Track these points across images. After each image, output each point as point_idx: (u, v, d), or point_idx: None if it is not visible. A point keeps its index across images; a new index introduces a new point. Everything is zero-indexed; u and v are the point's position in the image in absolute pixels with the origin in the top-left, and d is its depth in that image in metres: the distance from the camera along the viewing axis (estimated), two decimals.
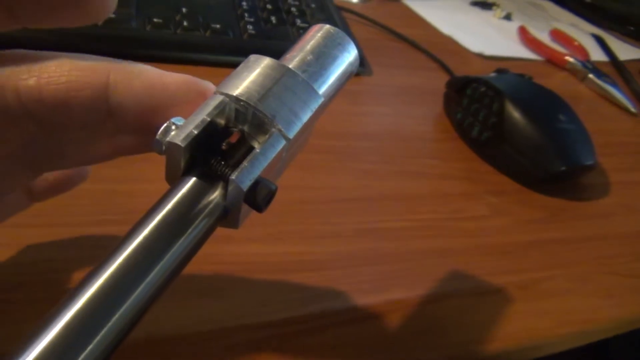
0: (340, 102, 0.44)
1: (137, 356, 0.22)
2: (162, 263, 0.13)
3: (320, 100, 0.17)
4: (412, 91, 0.51)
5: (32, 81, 0.14)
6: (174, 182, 0.15)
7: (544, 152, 0.39)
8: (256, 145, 0.15)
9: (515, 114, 0.40)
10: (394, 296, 0.28)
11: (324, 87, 0.17)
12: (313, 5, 0.54)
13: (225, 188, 0.15)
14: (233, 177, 0.14)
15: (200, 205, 0.15)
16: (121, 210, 0.28)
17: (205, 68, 0.42)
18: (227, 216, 0.15)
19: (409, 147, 0.42)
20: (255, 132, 0.15)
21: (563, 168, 0.39)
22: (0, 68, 0.14)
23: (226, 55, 0.44)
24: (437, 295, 0.29)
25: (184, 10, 0.46)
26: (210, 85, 0.17)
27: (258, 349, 0.24)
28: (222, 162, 0.15)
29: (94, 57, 0.15)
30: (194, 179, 0.15)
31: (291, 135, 0.15)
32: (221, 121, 0.15)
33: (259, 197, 0.15)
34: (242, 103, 0.15)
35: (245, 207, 0.15)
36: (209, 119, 0.15)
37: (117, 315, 0.12)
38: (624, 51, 0.75)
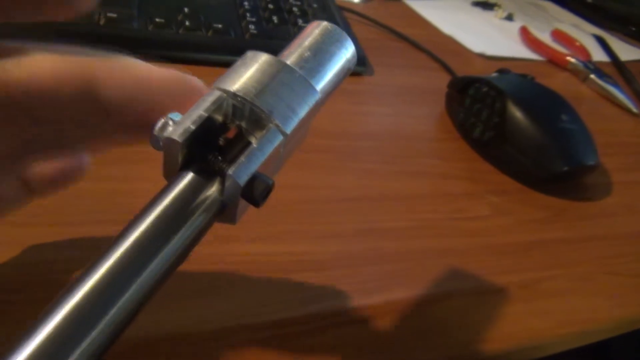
0: (341, 101, 0.45)
1: (137, 356, 0.22)
2: (159, 258, 0.13)
3: (317, 96, 0.17)
4: (414, 91, 0.51)
5: (18, 73, 0.14)
6: (172, 177, 0.15)
7: (546, 152, 0.39)
8: (253, 140, 0.15)
9: (517, 114, 0.40)
10: (395, 296, 0.28)
11: (321, 83, 0.17)
12: (315, 5, 0.54)
13: (223, 183, 0.15)
14: (230, 172, 0.14)
15: (198, 201, 0.15)
16: (123, 209, 0.27)
17: (207, 68, 0.42)
18: (224, 211, 0.15)
19: (410, 147, 0.42)
20: (253, 127, 0.15)
21: (565, 168, 0.39)
22: None
23: (228, 55, 0.44)
24: (438, 295, 0.29)
25: (185, 10, 0.46)
26: (199, 83, 0.17)
27: (258, 349, 0.24)
28: (220, 158, 0.15)
29: (82, 49, 0.15)
30: (191, 174, 0.15)
31: (288, 130, 0.15)
32: (218, 117, 0.15)
33: (256, 192, 0.15)
34: (239, 99, 0.15)
35: (242, 202, 0.15)
36: (206, 115, 0.15)
37: (113, 310, 0.12)
38: (626, 52, 0.74)
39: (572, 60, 0.64)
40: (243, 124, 0.15)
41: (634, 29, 0.82)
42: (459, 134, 0.45)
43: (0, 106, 0.14)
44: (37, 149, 0.15)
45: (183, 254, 0.14)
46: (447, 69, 0.56)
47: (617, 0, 0.87)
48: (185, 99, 0.16)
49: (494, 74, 0.47)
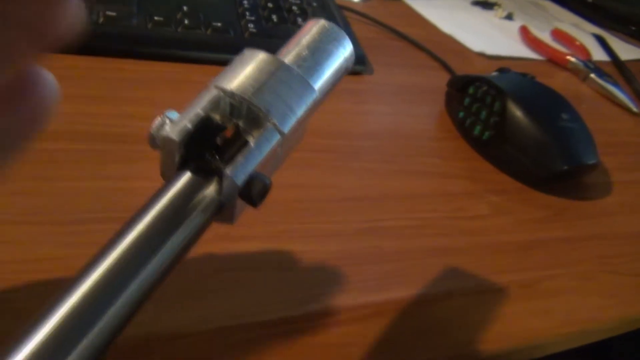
0: (341, 100, 0.45)
1: (137, 356, 0.22)
2: (156, 258, 0.13)
3: (315, 95, 0.16)
4: (413, 90, 0.51)
5: None
6: (169, 177, 0.15)
7: (546, 151, 0.39)
8: (251, 139, 0.15)
9: (517, 113, 0.40)
10: (395, 295, 0.28)
11: (319, 81, 0.17)
12: (314, 4, 0.54)
13: (220, 183, 0.15)
14: (228, 172, 0.14)
15: (195, 200, 0.14)
16: (123, 207, 0.27)
17: (206, 66, 0.42)
18: (222, 211, 0.15)
19: (410, 146, 0.42)
20: (250, 126, 0.15)
21: (565, 167, 0.39)
22: None
23: (227, 54, 0.43)
24: (438, 294, 0.29)
25: (185, 8, 0.46)
26: None
27: (258, 349, 0.24)
28: (217, 157, 0.15)
29: None
30: (188, 173, 0.15)
31: (286, 129, 0.15)
32: (216, 115, 0.15)
33: (253, 191, 0.15)
34: (236, 97, 0.15)
35: (240, 202, 0.15)
36: (203, 114, 0.15)
37: (111, 311, 0.12)
38: (626, 51, 0.74)
39: (572, 59, 0.64)
40: (240, 123, 0.15)
41: (634, 28, 0.82)
42: (459, 133, 0.45)
43: None
44: None
45: (181, 254, 0.14)
46: (446, 68, 0.56)
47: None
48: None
49: (494, 73, 0.47)
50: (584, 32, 0.78)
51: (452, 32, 0.66)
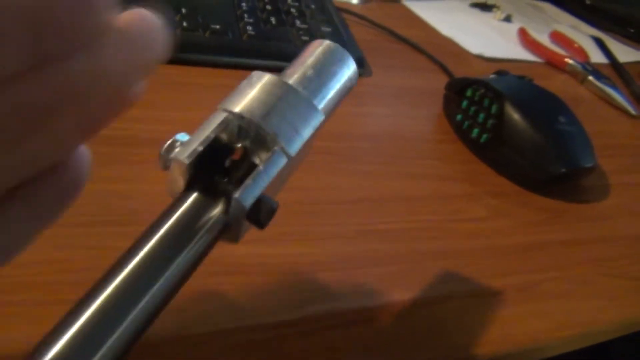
0: (340, 103, 0.45)
1: (137, 357, 0.22)
2: (163, 278, 0.13)
3: (322, 118, 0.17)
4: (412, 92, 0.51)
5: None
6: (177, 196, 0.15)
7: (543, 154, 0.39)
8: (258, 161, 0.15)
9: (515, 115, 0.40)
10: (394, 297, 0.28)
11: (324, 102, 0.18)
12: (313, 7, 0.54)
13: (227, 204, 0.15)
14: (236, 195, 0.14)
15: (202, 221, 0.15)
16: (122, 210, 0.27)
17: (205, 69, 0.42)
18: (227, 231, 0.16)
19: (409, 148, 0.42)
20: (257, 148, 0.16)
21: (563, 170, 0.39)
22: None
23: (226, 56, 0.43)
24: (437, 296, 0.29)
25: (183, 10, 0.46)
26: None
27: (257, 350, 0.24)
28: (225, 179, 0.15)
29: None
30: (196, 194, 0.15)
31: (293, 152, 0.16)
32: (224, 137, 0.15)
33: (261, 214, 0.15)
34: (245, 120, 0.15)
35: (246, 223, 0.15)
36: (213, 136, 0.15)
37: (119, 331, 0.12)
38: (624, 53, 0.75)
39: (571, 61, 0.64)
40: (248, 144, 0.16)
41: (632, 30, 0.83)
42: (457, 136, 0.45)
43: None
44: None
45: (186, 274, 0.14)
46: (445, 70, 0.56)
47: (616, 1, 0.87)
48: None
49: (492, 76, 0.47)
50: (582, 34, 0.78)
51: (451, 34, 0.66)
